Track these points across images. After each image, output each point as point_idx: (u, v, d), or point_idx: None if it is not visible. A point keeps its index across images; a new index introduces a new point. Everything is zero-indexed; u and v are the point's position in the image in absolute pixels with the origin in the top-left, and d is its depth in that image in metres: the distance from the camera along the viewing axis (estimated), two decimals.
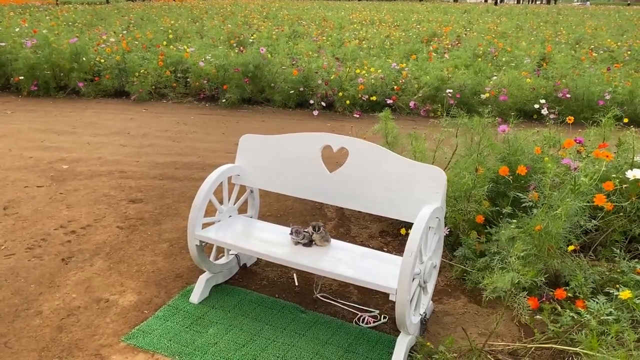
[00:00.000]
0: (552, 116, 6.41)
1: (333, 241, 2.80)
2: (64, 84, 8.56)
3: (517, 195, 3.02)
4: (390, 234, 3.81)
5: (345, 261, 2.58)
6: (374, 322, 2.79)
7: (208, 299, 2.93)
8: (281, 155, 2.94)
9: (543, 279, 2.56)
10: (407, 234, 3.61)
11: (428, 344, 2.45)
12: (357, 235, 3.79)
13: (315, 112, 7.65)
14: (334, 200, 2.80)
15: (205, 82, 8.35)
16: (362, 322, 2.78)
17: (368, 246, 3.59)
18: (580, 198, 2.62)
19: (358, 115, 7.64)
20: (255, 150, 3.01)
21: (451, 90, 7.12)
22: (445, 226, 2.86)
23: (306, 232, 2.72)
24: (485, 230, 3.14)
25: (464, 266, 3.07)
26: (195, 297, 2.89)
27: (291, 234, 2.69)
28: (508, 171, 3.13)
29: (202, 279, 2.93)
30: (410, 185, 2.60)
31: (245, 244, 2.73)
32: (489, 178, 3.18)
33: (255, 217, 3.26)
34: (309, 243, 2.72)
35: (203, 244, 2.81)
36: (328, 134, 2.87)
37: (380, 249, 3.58)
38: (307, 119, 7.49)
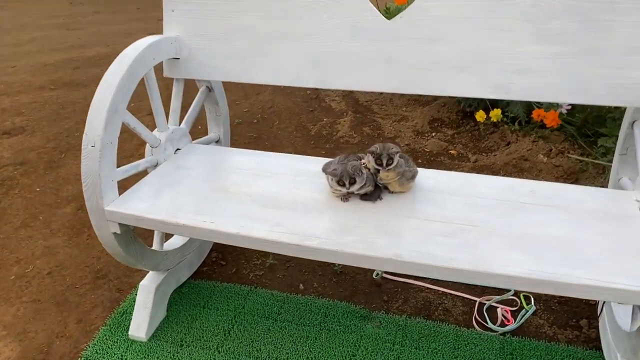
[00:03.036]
0: None
1: (421, 172, 1.26)
2: None
3: None
4: (447, 124, 2.31)
5: (500, 233, 1.07)
6: (511, 313, 1.39)
7: (168, 323, 1.43)
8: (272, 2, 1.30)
9: None
10: (486, 121, 2.15)
11: None
12: (397, 135, 2.28)
13: None
14: (411, 85, 1.24)
15: None
16: (491, 319, 1.38)
17: (424, 152, 2.11)
18: None
19: None
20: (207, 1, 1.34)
21: None
22: None
23: (358, 168, 1.17)
24: None
25: None
26: (140, 329, 1.38)
27: (341, 184, 1.14)
28: None
29: (147, 288, 1.40)
30: (607, 24, 1.06)
31: (234, 225, 1.15)
32: None
33: (227, 143, 1.67)
34: (376, 193, 1.19)
35: (131, 226, 1.24)
36: None
37: (446, 152, 2.10)
38: None
